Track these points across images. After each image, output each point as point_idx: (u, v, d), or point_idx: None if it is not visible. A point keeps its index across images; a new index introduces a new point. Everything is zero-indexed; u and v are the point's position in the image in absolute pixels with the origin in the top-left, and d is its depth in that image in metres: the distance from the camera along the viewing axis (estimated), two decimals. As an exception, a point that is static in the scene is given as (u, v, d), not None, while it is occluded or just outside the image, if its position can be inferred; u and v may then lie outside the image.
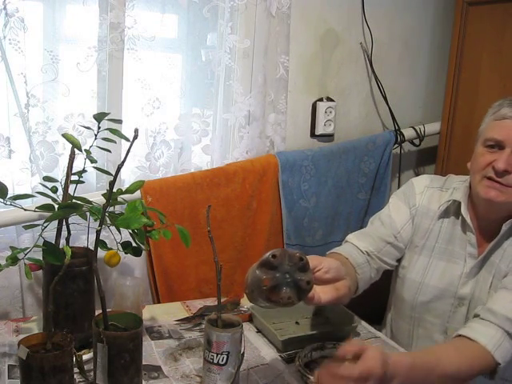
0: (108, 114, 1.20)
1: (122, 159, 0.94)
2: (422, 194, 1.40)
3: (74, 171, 1.22)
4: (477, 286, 1.28)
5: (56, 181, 1.25)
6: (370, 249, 1.38)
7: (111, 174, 1.02)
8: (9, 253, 1.11)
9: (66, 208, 1.10)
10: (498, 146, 1.21)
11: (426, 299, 1.33)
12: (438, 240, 1.35)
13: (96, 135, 1.19)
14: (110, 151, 1.34)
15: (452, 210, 1.34)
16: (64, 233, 1.21)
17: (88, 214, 1.16)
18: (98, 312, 1.06)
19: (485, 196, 1.22)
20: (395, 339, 1.41)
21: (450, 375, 1.07)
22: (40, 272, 1.24)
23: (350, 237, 1.43)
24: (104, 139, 1.22)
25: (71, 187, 1.22)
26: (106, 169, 1.50)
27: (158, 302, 1.66)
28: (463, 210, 1.29)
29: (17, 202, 1.17)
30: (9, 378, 1.08)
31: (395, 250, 1.39)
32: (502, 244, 1.25)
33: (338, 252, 1.37)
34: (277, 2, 1.69)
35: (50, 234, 1.18)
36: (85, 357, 1.11)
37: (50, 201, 1.19)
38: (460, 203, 1.30)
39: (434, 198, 1.38)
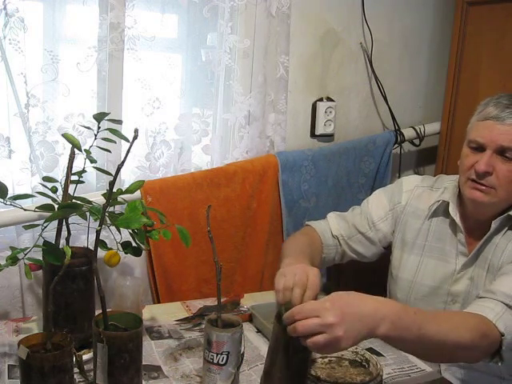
0: (108, 114, 1.20)
1: (122, 159, 0.94)
2: (411, 193, 1.41)
3: (74, 171, 1.22)
4: (472, 284, 1.27)
5: (56, 181, 1.25)
6: (342, 233, 1.46)
7: (111, 174, 1.02)
8: (9, 253, 1.11)
9: (65, 208, 1.10)
10: (480, 147, 1.21)
11: (418, 297, 1.34)
12: (427, 239, 1.35)
13: (96, 135, 1.19)
14: (109, 151, 1.34)
15: (441, 210, 1.34)
16: (64, 233, 1.21)
17: (88, 213, 1.16)
18: (98, 312, 1.06)
19: (470, 196, 1.23)
20: None
21: (444, 334, 1.01)
22: (40, 272, 1.24)
23: (331, 215, 1.51)
24: (104, 139, 1.22)
25: (71, 187, 1.22)
26: (105, 169, 1.50)
27: (158, 302, 1.66)
28: (451, 209, 1.30)
29: (17, 201, 1.17)
30: (9, 378, 1.08)
31: (366, 241, 1.44)
32: (493, 239, 1.25)
33: (313, 227, 1.47)
34: (277, 2, 1.69)
35: (49, 234, 1.18)
36: (85, 357, 1.11)
37: (49, 201, 1.19)
38: (449, 203, 1.31)
39: (424, 197, 1.39)
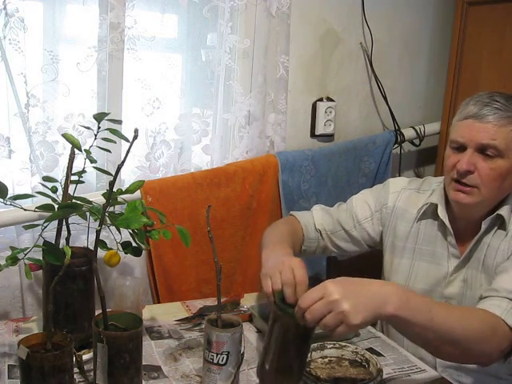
0: (108, 114, 1.20)
1: (122, 159, 0.94)
2: (398, 195, 1.40)
3: (74, 171, 1.22)
4: (466, 286, 1.27)
5: (56, 181, 1.25)
6: (325, 228, 1.46)
7: (111, 174, 1.02)
8: (9, 253, 1.11)
9: (65, 208, 1.10)
10: (461, 147, 1.20)
11: None
12: (417, 242, 1.34)
13: (96, 135, 1.19)
14: (109, 151, 1.34)
15: (430, 212, 1.33)
16: (64, 233, 1.21)
17: (88, 213, 1.16)
18: (98, 312, 1.06)
19: (453, 198, 1.23)
20: None
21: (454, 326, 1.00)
22: (40, 272, 1.24)
23: (316, 208, 1.51)
24: (104, 139, 1.22)
25: (71, 187, 1.22)
26: (106, 169, 1.50)
27: (158, 302, 1.66)
28: (440, 212, 1.29)
29: (17, 201, 1.17)
30: (9, 378, 1.08)
31: (349, 238, 1.45)
32: (483, 239, 1.25)
33: (297, 218, 1.47)
34: (277, 2, 1.69)
35: (50, 234, 1.18)
36: (85, 357, 1.11)
37: (49, 201, 1.19)
38: (437, 205, 1.30)
39: (412, 200, 1.38)
